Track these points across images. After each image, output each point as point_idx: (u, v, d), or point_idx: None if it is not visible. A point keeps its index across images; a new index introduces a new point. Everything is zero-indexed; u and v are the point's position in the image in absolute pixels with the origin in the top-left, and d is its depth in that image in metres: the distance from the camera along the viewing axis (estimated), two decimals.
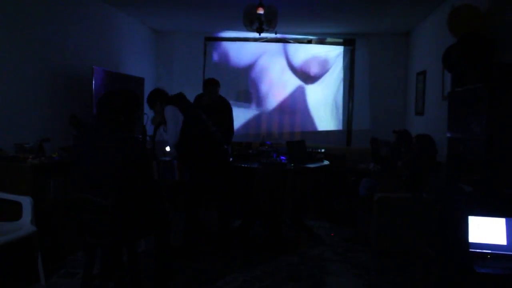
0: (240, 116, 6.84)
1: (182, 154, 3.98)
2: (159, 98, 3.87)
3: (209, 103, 3.98)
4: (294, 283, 3.37)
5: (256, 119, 6.91)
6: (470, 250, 2.67)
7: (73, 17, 4.67)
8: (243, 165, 4.33)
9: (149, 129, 4.52)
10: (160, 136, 4.01)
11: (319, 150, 5.57)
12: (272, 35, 5.59)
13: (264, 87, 6.89)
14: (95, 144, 2.63)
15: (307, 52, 6.82)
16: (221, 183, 4.02)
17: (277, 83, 6.85)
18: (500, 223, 2.69)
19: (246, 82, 6.91)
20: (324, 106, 6.83)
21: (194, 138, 3.83)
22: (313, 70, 6.81)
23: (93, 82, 4.56)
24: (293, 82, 6.83)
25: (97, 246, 2.75)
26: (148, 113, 4.21)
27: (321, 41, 6.78)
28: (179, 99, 3.88)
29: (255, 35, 4.84)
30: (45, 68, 4.20)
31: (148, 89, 6.21)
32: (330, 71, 6.80)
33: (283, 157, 5.08)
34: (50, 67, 4.27)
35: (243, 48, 6.88)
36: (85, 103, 4.60)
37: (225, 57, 6.97)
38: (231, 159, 4.41)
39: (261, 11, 4.41)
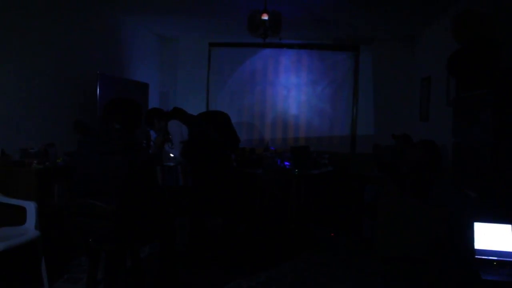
0: (244, 121, 6.85)
1: (188, 160, 4.00)
2: (155, 115, 3.89)
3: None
4: None
5: (260, 124, 6.92)
6: (476, 257, 2.65)
7: (78, 23, 4.69)
8: (247, 171, 4.32)
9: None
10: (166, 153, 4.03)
11: (323, 156, 5.56)
12: (277, 41, 5.60)
13: (268, 92, 6.90)
14: (99, 150, 2.63)
15: (312, 58, 6.83)
16: (225, 189, 4.02)
17: (282, 88, 6.86)
18: (506, 229, 2.67)
19: (250, 88, 6.92)
20: (328, 111, 6.83)
21: (198, 145, 3.84)
22: (318, 75, 6.81)
23: (98, 87, 4.59)
24: (298, 87, 6.84)
25: (100, 251, 2.75)
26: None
27: (326, 47, 6.78)
28: (177, 112, 3.91)
29: (260, 40, 4.84)
30: (50, 73, 4.22)
31: (152, 94, 6.28)
32: (335, 76, 6.80)
33: (287, 163, 5.07)
34: (55, 72, 4.29)
35: (248, 54, 6.90)
36: (90, 109, 4.62)
37: (229, 63, 6.99)
38: (235, 164, 4.41)
39: (265, 17, 4.42)
